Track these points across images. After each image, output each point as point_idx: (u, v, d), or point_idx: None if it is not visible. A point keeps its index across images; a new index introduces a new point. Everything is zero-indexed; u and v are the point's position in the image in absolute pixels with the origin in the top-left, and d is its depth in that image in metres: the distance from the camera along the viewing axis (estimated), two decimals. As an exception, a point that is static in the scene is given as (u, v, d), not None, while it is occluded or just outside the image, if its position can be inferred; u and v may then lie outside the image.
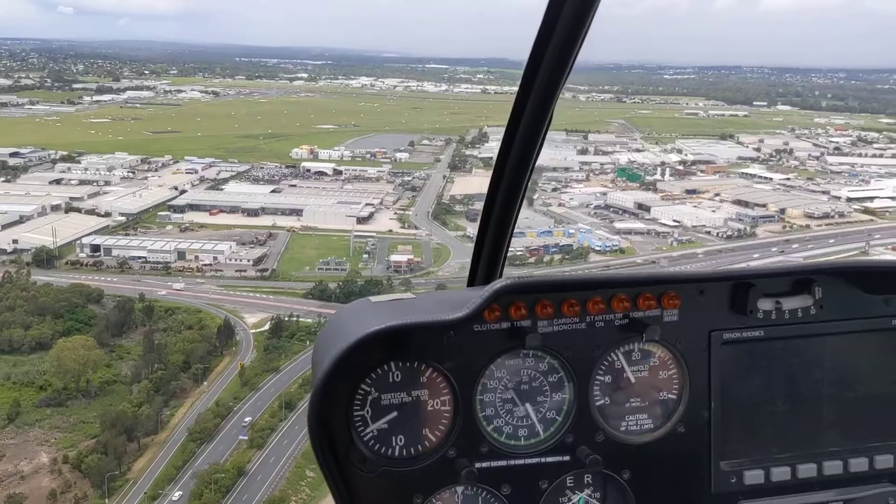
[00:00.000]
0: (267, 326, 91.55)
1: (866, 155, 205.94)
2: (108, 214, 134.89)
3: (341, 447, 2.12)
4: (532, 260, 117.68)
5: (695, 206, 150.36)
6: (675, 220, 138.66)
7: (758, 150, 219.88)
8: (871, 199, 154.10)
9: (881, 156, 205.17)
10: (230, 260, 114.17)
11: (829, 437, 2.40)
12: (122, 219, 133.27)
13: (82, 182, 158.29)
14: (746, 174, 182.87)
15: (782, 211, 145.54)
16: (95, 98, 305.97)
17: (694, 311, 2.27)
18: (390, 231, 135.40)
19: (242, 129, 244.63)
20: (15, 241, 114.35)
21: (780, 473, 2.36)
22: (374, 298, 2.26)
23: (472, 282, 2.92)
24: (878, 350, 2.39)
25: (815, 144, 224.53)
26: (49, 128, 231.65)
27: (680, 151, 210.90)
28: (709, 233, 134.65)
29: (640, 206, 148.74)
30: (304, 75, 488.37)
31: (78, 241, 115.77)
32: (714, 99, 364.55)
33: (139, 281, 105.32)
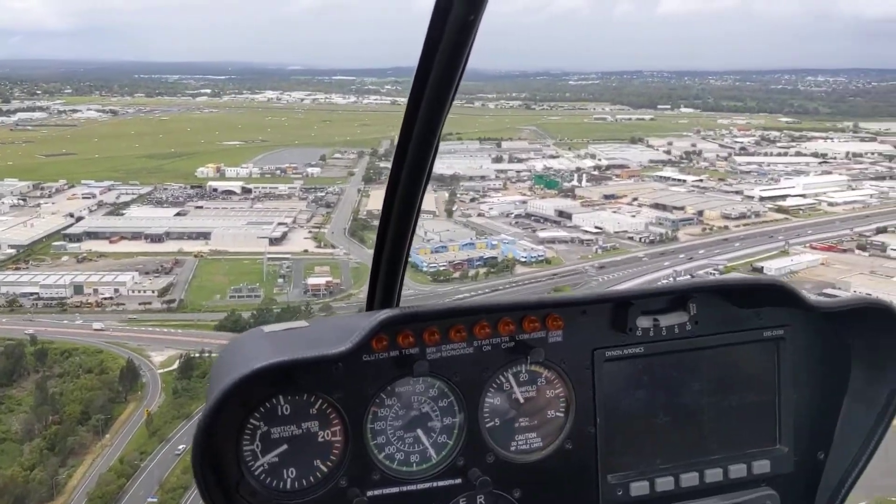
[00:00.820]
0: (176, 365, 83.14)
1: (771, 154, 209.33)
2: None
3: (230, 480, 2.10)
4: (457, 275, 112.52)
5: (614, 212, 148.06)
6: (597, 227, 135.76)
7: (668, 152, 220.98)
8: (784, 197, 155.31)
9: (786, 154, 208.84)
10: (133, 292, 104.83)
11: (710, 445, 2.48)
12: (12, 251, 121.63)
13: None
14: (660, 177, 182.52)
15: (700, 213, 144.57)
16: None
17: (577, 331, 2.33)
18: (306, 251, 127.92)
19: (143, 149, 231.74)
20: None
21: (665, 483, 2.42)
22: (267, 328, 2.26)
23: (370, 305, 2.84)
24: (752, 360, 2.48)
25: (721, 145, 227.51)
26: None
27: (594, 156, 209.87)
28: (631, 238, 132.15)
29: (561, 213, 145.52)
30: (208, 91, 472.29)
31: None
32: (619, 104, 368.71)
33: (31, 320, 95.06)
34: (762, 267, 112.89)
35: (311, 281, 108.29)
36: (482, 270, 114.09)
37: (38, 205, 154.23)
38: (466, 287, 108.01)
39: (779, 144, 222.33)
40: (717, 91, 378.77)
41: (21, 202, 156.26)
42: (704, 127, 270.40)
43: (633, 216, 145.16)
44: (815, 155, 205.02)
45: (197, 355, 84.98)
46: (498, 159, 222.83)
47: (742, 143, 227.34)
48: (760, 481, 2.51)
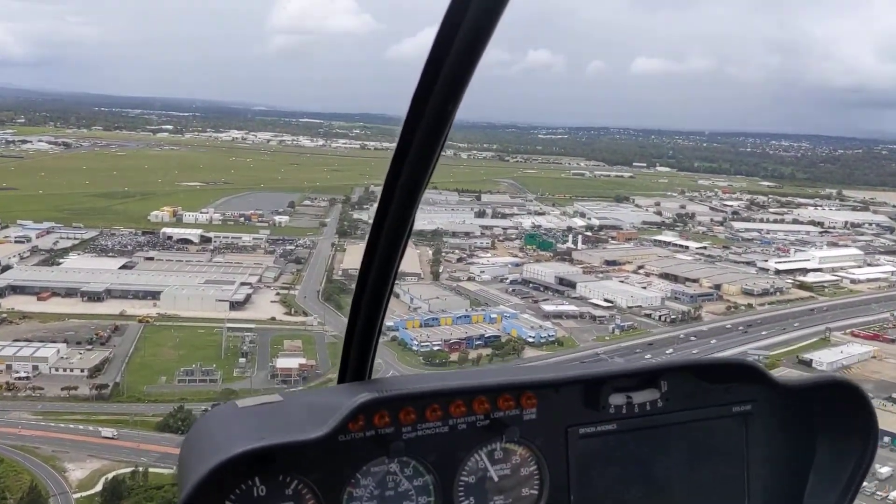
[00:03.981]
0: (99, 487, 60.88)
1: (767, 220, 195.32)
2: None
3: None
4: (454, 357, 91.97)
5: (622, 282, 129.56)
6: (607, 300, 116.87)
7: (658, 213, 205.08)
8: (802, 271, 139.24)
9: (782, 221, 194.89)
10: (56, 370, 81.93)
11: None
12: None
13: None
14: (660, 241, 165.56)
15: (718, 287, 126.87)
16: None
17: (551, 409, 2.31)
18: (273, 319, 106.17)
19: (94, 187, 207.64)
20: None
21: None
22: (240, 403, 2.22)
23: (342, 377, 2.83)
24: (721, 435, 2.48)
25: (711, 208, 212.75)
26: None
27: (584, 215, 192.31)
28: (649, 316, 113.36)
29: (562, 280, 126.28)
30: (170, 127, 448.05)
31: None
32: (594, 159, 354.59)
33: (-85, 410, 72.06)
34: (811, 360, 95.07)
35: (281, 363, 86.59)
36: (485, 353, 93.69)
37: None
38: (405, 378, 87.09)
39: (770, 210, 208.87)
40: (688, 151, 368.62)
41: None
42: (686, 187, 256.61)
43: (644, 287, 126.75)
44: (812, 223, 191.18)
45: (129, 472, 62.90)
46: (481, 213, 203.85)
47: (732, 206, 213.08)
48: None
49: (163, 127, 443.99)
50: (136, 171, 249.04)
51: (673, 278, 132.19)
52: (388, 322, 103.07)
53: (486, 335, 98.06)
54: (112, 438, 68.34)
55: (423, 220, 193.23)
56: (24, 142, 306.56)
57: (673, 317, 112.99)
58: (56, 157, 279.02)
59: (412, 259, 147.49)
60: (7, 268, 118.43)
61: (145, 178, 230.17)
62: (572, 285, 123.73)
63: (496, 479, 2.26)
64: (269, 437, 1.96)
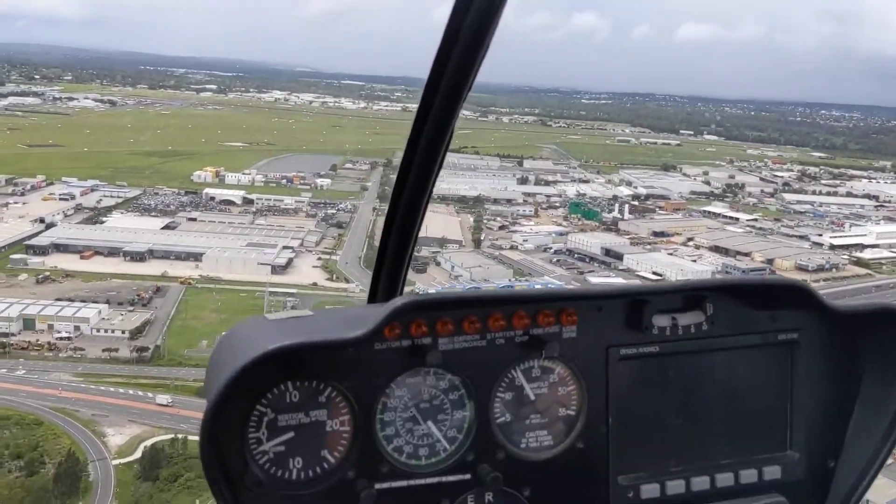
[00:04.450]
0: (139, 453, 59.64)
1: (819, 192, 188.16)
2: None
3: (235, 470, 1.97)
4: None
5: (670, 254, 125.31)
6: (656, 273, 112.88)
7: (707, 183, 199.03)
8: (859, 247, 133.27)
9: (835, 194, 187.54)
10: (97, 331, 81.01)
11: (721, 450, 2.41)
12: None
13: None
14: (709, 212, 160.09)
15: (770, 261, 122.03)
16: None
17: (592, 328, 2.24)
18: (314, 285, 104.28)
19: (138, 145, 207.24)
20: None
21: (675, 487, 2.34)
22: (270, 315, 2.16)
23: (372, 298, 2.77)
24: (765, 364, 2.42)
25: (761, 179, 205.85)
26: None
27: (630, 184, 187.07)
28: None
29: (609, 252, 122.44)
30: (213, 87, 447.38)
31: None
32: (639, 126, 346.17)
33: (-42, 367, 71.57)
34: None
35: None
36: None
37: (6, 205, 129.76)
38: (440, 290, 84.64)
39: (822, 182, 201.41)
40: (736, 119, 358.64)
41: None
42: (734, 157, 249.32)
43: (694, 261, 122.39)
44: (867, 196, 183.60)
45: (169, 440, 61.61)
46: (523, 180, 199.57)
47: (783, 177, 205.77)
48: (771, 487, 2.43)
49: (206, 87, 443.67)
50: (180, 130, 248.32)
51: (724, 251, 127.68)
52: (429, 290, 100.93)
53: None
54: (167, 406, 67.03)
55: (465, 185, 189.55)
56: (71, 99, 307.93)
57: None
58: (101, 115, 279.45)
59: (453, 226, 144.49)
60: (51, 225, 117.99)
61: (189, 138, 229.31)
62: (619, 257, 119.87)
63: (532, 397, 2.24)
64: (300, 338, 1.91)
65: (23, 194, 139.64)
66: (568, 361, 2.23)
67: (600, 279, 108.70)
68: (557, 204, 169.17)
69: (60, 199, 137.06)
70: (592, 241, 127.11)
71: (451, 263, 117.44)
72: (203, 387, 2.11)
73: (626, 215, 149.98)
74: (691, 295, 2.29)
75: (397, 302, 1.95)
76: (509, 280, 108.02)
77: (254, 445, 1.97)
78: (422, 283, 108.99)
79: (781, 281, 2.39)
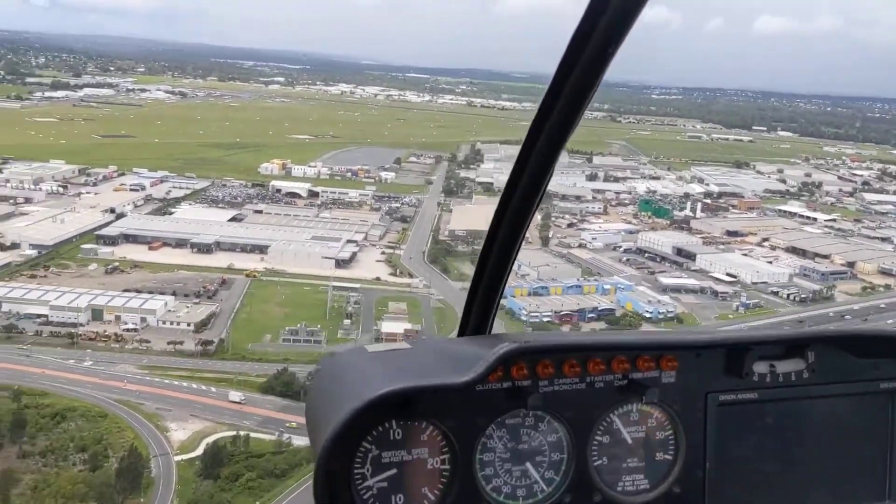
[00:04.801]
0: (200, 449, 58.79)
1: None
2: (14, 246, 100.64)
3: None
4: (566, 329, 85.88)
5: (744, 255, 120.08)
6: (729, 275, 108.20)
7: (782, 181, 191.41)
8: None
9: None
10: (164, 323, 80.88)
11: (819, 497, 2.37)
12: (33, 253, 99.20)
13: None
14: (785, 212, 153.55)
15: (851, 264, 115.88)
16: (47, 94, 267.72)
17: (691, 374, 2.25)
18: (378, 279, 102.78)
19: (207, 137, 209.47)
20: None
21: None
22: (370, 348, 2.24)
23: (463, 329, 2.79)
24: (867, 412, 2.38)
25: (839, 177, 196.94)
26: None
27: (702, 181, 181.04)
28: (776, 293, 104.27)
29: (681, 251, 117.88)
30: (281, 79, 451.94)
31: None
32: (710, 122, 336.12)
33: (28, 356, 71.90)
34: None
35: (386, 328, 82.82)
36: (598, 327, 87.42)
37: (79, 194, 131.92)
38: (539, 333, 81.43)
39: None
40: (811, 115, 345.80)
41: (60, 189, 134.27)
42: (810, 154, 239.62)
43: (770, 262, 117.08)
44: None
45: (231, 437, 60.62)
46: (592, 177, 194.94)
47: (862, 176, 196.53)
48: None
49: (275, 79, 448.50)
50: (248, 122, 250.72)
51: (801, 253, 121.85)
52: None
53: (599, 308, 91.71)
54: (239, 403, 66.20)
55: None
56: (143, 90, 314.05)
57: (803, 295, 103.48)
58: (172, 107, 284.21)
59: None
60: (121, 216, 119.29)
61: (256, 130, 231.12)
62: (691, 257, 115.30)
63: (630, 440, 2.22)
64: (410, 381, 1.96)
65: (95, 184, 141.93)
66: (666, 406, 2.22)
67: (672, 280, 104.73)
68: (627, 201, 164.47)
69: (131, 189, 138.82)
70: (663, 239, 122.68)
71: (517, 262, 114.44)
72: (309, 413, 2.21)
73: (699, 213, 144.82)
74: (792, 344, 2.25)
75: (503, 348, 1.97)
76: (577, 279, 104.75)
77: (359, 481, 2.02)
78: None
79: (886, 333, 2.30)
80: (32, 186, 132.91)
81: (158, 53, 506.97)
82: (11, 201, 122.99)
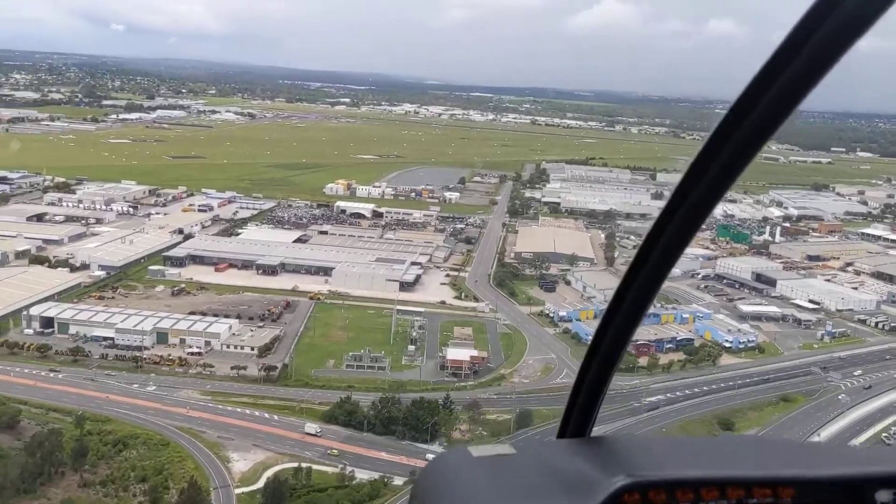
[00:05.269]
0: (262, 482, 56.58)
1: None
2: (84, 267, 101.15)
3: None
4: (642, 361, 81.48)
5: (827, 280, 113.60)
6: (812, 301, 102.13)
7: (863, 203, 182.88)
8: None
9: None
10: (228, 346, 79.55)
11: None
12: (101, 274, 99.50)
13: (69, 219, 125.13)
14: (868, 235, 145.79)
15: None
16: (122, 116, 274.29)
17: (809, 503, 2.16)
18: (442, 303, 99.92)
19: (275, 157, 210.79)
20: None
21: None
22: (475, 452, 2.17)
23: (563, 430, 2.70)
24: None
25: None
26: (60, 147, 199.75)
27: (780, 204, 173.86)
28: (864, 321, 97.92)
29: (760, 277, 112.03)
30: (347, 100, 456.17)
31: (26, 312, 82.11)
32: (785, 143, 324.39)
33: (93, 380, 71.16)
34: None
35: (451, 354, 79.79)
36: (676, 358, 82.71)
37: (148, 215, 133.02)
38: (658, 384, 77.05)
39: None
40: (891, 135, 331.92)
41: (131, 210, 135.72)
42: (892, 175, 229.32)
43: (856, 288, 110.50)
44: None
45: (293, 469, 58.27)
46: (658, 195, 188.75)
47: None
48: None
49: (341, 100, 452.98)
50: (314, 142, 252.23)
51: (888, 278, 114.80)
52: (560, 311, 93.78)
53: (677, 338, 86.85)
54: (314, 435, 63.95)
55: (594, 198, 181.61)
56: (214, 112, 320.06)
57: (893, 324, 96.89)
58: (241, 128, 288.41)
59: (583, 242, 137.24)
60: (189, 236, 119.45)
61: (322, 150, 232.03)
62: (772, 283, 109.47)
63: None
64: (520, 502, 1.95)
65: (164, 205, 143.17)
66: None
67: (752, 307, 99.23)
68: (702, 225, 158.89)
69: (199, 210, 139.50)
70: (742, 265, 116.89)
71: (582, 283, 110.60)
72: None
73: (778, 238, 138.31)
74: None
75: (618, 483, 1.96)
76: (652, 306, 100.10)
77: None
78: (551, 303, 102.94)
79: None
80: (104, 207, 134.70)
81: (229, 76, 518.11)
82: (83, 221, 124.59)
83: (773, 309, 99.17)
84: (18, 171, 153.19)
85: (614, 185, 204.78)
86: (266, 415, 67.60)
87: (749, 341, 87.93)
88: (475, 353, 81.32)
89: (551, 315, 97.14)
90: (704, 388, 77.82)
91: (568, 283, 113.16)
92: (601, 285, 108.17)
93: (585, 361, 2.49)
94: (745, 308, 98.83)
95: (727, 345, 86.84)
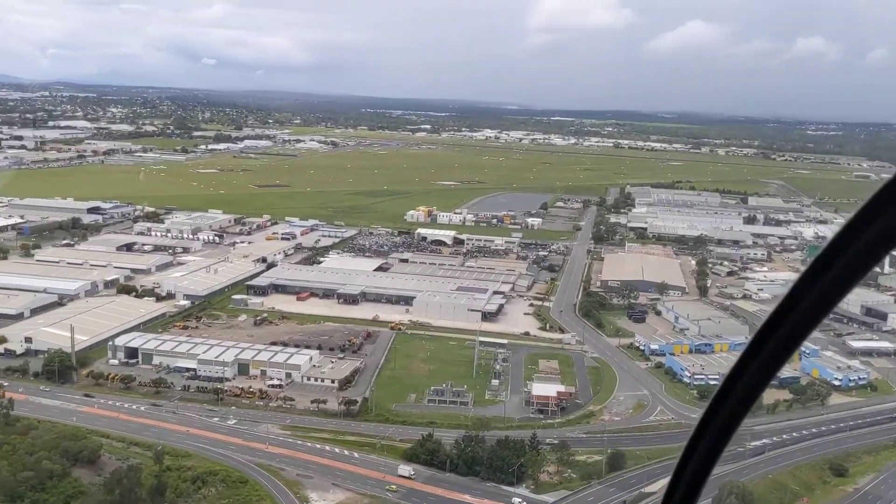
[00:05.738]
0: (341, 526, 53.89)
1: None
2: (169, 297, 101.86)
3: None
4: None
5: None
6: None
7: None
8: None
9: None
10: (308, 379, 77.85)
11: None
12: (186, 303, 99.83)
13: (157, 248, 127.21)
14: None
15: None
16: (210, 146, 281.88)
17: None
18: (526, 334, 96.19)
19: (357, 184, 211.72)
20: (28, 341, 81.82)
21: None
22: None
23: (669, 497, 2.60)
24: None
25: None
26: (150, 178, 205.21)
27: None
28: None
29: (870, 311, 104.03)
30: (428, 126, 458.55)
31: (111, 343, 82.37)
32: (878, 159, 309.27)
33: (174, 412, 70.28)
34: None
35: (536, 390, 75.86)
36: (782, 397, 76.42)
37: (233, 244, 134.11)
38: (763, 426, 71.15)
39: None
40: None
41: (216, 239, 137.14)
42: None
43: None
44: None
45: (374, 513, 55.46)
46: (750, 219, 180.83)
47: None
48: None
49: (421, 126, 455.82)
50: (396, 169, 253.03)
51: None
52: (651, 344, 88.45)
53: (782, 376, 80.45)
54: (408, 478, 61.11)
55: (682, 223, 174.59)
56: (298, 141, 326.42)
57: None
58: (324, 156, 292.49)
59: (672, 269, 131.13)
60: (272, 265, 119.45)
61: (403, 177, 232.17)
62: (882, 317, 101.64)
63: None
64: None
65: (249, 233, 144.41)
66: None
67: (863, 342, 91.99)
68: (793, 247, 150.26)
69: (282, 238, 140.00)
70: (850, 298, 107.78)
71: (674, 314, 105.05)
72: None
73: (888, 268, 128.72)
74: None
75: None
76: (746, 338, 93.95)
77: None
78: (641, 335, 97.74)
79: None
80: (191, 236, 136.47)
81: (313, 106, 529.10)
82: (171, 251, 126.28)
83: (885, 344, 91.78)
84: (111, 202, 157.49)
85: (703, 209, 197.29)
86: (346, 452, 65.13)
87: (860, 379, 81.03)
88: (562, 388, 77.21)
89: (642, 348, 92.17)
90: (813, 430, 71.74)
91: (658, 313, 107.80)
92: (694, 316, 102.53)
93: (701, 424, 2.27)
94: (855, 344, 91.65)
95: (837, 383, 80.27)
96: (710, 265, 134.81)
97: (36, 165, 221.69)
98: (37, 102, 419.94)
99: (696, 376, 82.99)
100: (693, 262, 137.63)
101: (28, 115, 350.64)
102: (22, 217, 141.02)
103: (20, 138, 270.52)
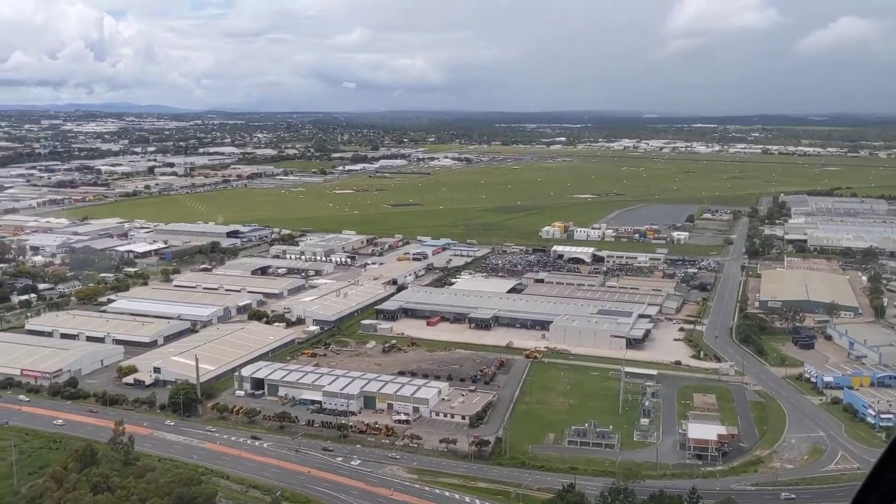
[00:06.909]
0: None
1: None
2: (299, 322, 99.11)
3: None
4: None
5: None
6: None
7: None
8: None
9: None
10: (436, 414, 71.72)
11: None
12: (315, 329, 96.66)
13: (290, 271, 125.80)
14: None
15: None
16: (348, 167, 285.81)
17: None
18: (678, 363, 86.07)
19: (489, 201, 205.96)
20: (156, 371, 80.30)
21: None
22: None
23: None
24: None
25: None
26: (289, 200, 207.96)
27: None
28: None
29: None
30: (563, 139, 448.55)
31: (237, 373, 79.51)
32: None
33: (298, 450, 65.82)
34: None
35: (693, 432, 66.08)
36: None
37: (364, 265, 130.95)
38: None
39: None
40: None
41: (348, 260, 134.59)
42: None
43: None
44: None
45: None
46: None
47: None
48: None
49: (556, 139, 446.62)
50: (530, 184, 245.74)
51: None
52: (825, 376, 75.71)
53: None
54: None
55: (847, 234, 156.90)
56: (432, 158, 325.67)
57: None
58: (458, 173, 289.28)
59: (841, 286, 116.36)
60: (402, 287, 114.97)
61: (537, 192, 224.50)
62: None
63: None
64: None
65: (381, 254, 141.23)
66: None
67: None
68: None
69: (414, 258, 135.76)
70: None
71: (847, 339, 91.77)
72: None
73: None
74: None
75: None
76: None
77: None
78: (811, 364, 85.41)
79: None
80: (323, 258, 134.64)
81: (447, 123, 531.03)
82: (303, 274, 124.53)
83: None
84: (249, 225, 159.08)
85: (870, 218, 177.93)
86: (478, 501, 58.19)
87: None
88: (723, 429, 67.03)
89: (813, 379, 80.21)
90: None
91: (829, 337, 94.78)
92: (872, 341, 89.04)
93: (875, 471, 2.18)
94: None
95: None
96: (884, 281, 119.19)
97: (184, 191, 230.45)
98: (189, 130, 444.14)
99: (882, 415, 70.56)
100: (864, 278, 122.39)
101: (181, 143, 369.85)
102: (165, 242, 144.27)
103: (172, 165, 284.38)
